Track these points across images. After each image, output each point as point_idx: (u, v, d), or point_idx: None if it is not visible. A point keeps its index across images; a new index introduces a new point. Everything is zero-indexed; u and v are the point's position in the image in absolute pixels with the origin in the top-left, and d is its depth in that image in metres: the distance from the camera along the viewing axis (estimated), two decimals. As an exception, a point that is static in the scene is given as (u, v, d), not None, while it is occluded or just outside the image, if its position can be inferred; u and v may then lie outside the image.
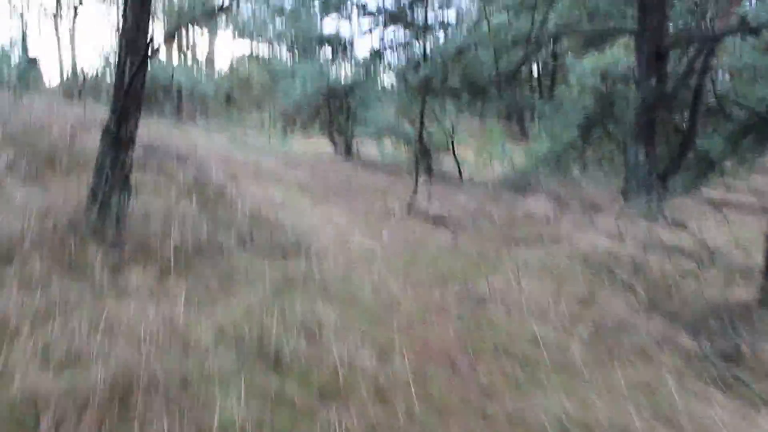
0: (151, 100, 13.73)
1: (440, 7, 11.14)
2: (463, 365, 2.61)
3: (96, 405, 1.77)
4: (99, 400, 1.78)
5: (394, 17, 10.84)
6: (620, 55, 10.28)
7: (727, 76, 9.73)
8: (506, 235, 5.88)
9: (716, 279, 4.15)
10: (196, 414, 1.81)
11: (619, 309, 3.50)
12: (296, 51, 12.27)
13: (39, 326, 2.09)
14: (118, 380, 1.85)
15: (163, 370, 1.93)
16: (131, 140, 3.42)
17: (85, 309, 2.27)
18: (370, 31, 11.04)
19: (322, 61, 12.31)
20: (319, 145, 14.33)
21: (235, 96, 17.79)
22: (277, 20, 12.52)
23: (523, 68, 11.15)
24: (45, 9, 13.25)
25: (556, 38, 10.49)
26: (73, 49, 15.55)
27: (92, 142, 4.15)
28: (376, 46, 11.44)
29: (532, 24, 8.67)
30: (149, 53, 3.48)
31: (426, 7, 10.31)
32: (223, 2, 4.21)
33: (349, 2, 11.22)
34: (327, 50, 12.19)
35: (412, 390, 2.25)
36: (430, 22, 10.82)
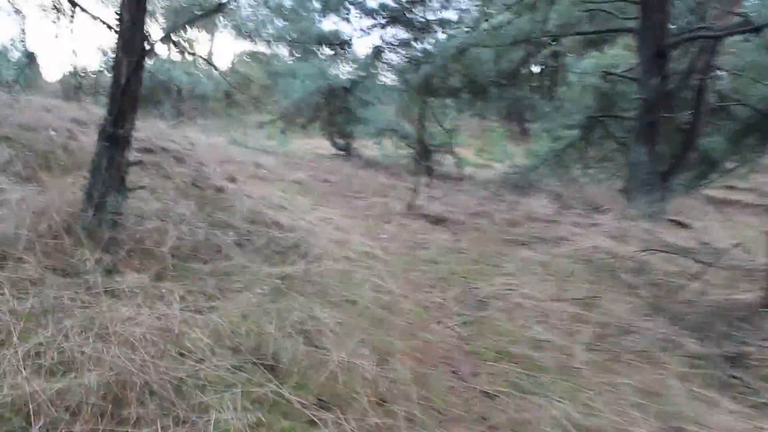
0: (150, 100, 13.72)
1: (441, 8, 11.09)
2: (465, 369, 2.56)
3: (88, 411, 1.72)
4: (91, 405, 1.73)
5: (394, 16, 10.79)
6: (621, 54, 10.24)
7: (729, 75, 9.66)
8: (507, 235, 5.84)
9: (720, 280, 4.11)
10: (191, 421, 1.77)
11: (622, 311, 3.47)
12: (296, 50, 12.21)
13: (31, 329, 2.04)
14: (112, 385, 1.81)
15: (157, 375, 1.88)
16: (127, 140, 3.37)
17: (78, 312, 2.22)
18: (370, 30, 10.99)
19: (322, 60, 12.25)
20: (319, 144, 14.30)
21: (234, 96, 17.76)
22: (277, 20, 12.46)
23: (524, 68, 11.09)
24: (44, 7, 13.18)
25: (557, 38, 10.41)
26: (73, 47, 15.48)
27: (90, 141, 4.12)
28: (376, 45, 11.38)
29: (533, 23, 8.63)
30: (145, 53, 3.43)
31: (426, 7, 10.26)
32: (221, 1, 4.16)
33: (348, 2, 11.16)
34: (327, 50, 12.13)
35: (413, 396, 2.21)
36: (430, 20, 10.77)
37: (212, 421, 1.76)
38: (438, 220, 6.43)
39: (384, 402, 2.14)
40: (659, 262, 4.55)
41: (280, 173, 7.66)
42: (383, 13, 10.88)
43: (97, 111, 5.52)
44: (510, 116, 19.27)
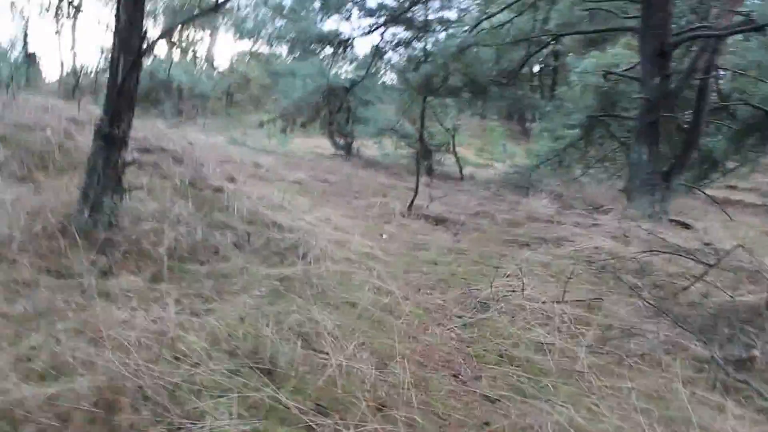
0: (150, 99, 13.69)
1: (441, 7, 11.05)
2: (466, 373, 2.52)
3: (80, 417, 1.68)
4: (83, 411, 1.69)
5: (394, 16, 10.74)
6: (622, 53, 10.20)
7: (731, 75, 9.63)
8: (508, 235, 5.80)
9: (723, 281, 4.06)
10: (185, 427, 1.72)
11: (625, 313, 3.42)
12: (296, 50, 12.17)
13: (23, 333, 2.00)
14: (104, 391, 1.76)
15: (151, 380, 1.84)
16: (124, 140, 3.33)
17: (72, 315, 2.18)
18: (371, 30, 10.93)
19: (322, 59, 12.22)
20: (319, 144, 14.25)
21: (234, 95, 17.74)
22: (277, 19, 12.41)
23: (524, 67, 11.04)
24: (46, 7, 13.17)
25: (557, 37, 10.37)
26: (73, 46, 15.50)
27: (87, 141, 4.07)
28: (377, 44, 11.32)
29: (533, 22, 8.59)
30: (143, 52, 3.39)
31: (426, 5, 10.22)
32: (218, 1, 4.11)
33: (348, 1, 11.11)
34: (327, 49, 12.08)
35: (413, 400, 2.16)
36: (430, 20, 10.72)
37: (207, 428, 1.72)
38: (438, 221, 6.39)
39: (383, 407, 2.10)
40: (661, 263, 4.50)
41: (280, 173, 7.61)
42: (383, 13, 10.83)
43: (96, 110, 5.48)
44: (510, 116, 19.27)
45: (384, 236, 5.27)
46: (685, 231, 6.44)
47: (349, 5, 10.87)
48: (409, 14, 10.60)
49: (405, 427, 1.98)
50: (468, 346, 2.85)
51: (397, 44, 11.23)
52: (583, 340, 2.95)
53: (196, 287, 2.78)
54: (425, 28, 10.50)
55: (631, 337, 3.04)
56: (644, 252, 4.61)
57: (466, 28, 10.40)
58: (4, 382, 1.71)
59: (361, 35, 11.07)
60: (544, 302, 3.44)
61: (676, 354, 2.89)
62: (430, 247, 5.04)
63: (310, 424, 1.86)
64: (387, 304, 3.21)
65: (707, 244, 5.47)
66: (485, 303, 3.47)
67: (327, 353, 2.33)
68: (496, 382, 2.48)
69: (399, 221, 6.09)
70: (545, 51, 12.94)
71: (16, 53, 11.06)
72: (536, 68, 20.21)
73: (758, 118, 8.37)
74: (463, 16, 11.34)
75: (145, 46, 3.39)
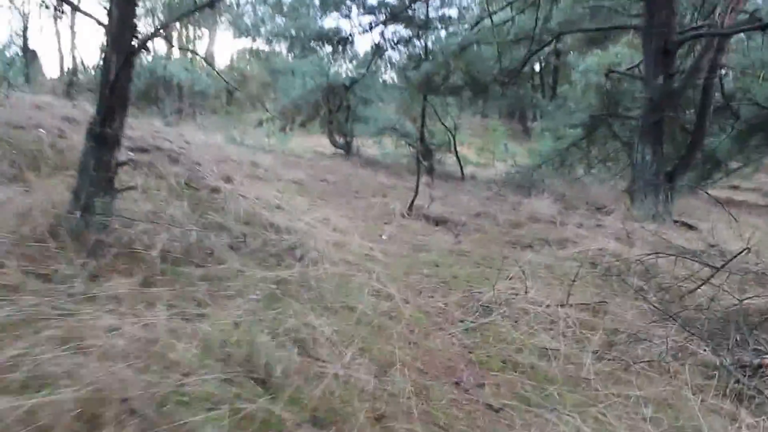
0: (147, 98, 13.59)
1: (442, 5, 10.95)
2: (469, 381, 2.43)
3: (62, 430, 1.59)
4: (66, 424, 1.60)
5: (395, 13, 10.65)
6: (624, 52, 10.11)
7: (735, 74, 9.54)
8: (510, 237, 5.71)
9: (730, 284, 3.97)
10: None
11: (631, 317, 3.33)
12: (296, 48, 12.08)
13: (5, 341, 1.91)
14: (88, 403, 1.67)
15: (138, 391, 1.75)
16: (117, 139, 3.24)
17: (58, 321, 2.08)
18: (371, 27, 10.84)
19: (321, 57, 12.13)
20: (319, 143, 14.16)
21: (233, 93, 17.65)
22: (277, 17, 12.32)
23: (526, 65, 10.94)
24: (41, 4, 13.06)
25: (559, 35, 10.27)
26: (72, 44, 15.43)
27: (80, 140, 3.97)
28: (377, 42, 11.24)
29: (536, 21, 8.50)
30: (135, 49, 3.30)
31: (427, 3, 10.13)
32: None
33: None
34: (327, 47, 11.99)
35: (414, 410, 2.07)
36: (431, 17, 10.63)
37: (197, 442, 1.63)
38: (439, 221, 6.30)
39: (383, 417, 2.01)
40: (667, 265, 4.41)
41: (278, 172, 7.51)
42: (384, 10, 10.74)
43: (90, 109, 5.38)
44: (512, 115, 19.18)
45: (384, 237, 5.18)
46: (689, 232, 6.35)
47: (349, 2, 10.79)
48: (409, 12, 10.50)
49: (405, 440, 1.90)
50: (470, 352, 2.76)
51: (398, 42, 11.15)
52: (588, 345, 2.87)
53: (189, 291, 2.69)
54: (426, 25, 10.41)
55: (638, 343, 2.95)
56: (649, 254, 4.52)
57: (467, 26, 10.31)
58: (-17, 394, 1.62)
59: (361, 33, 10.99)
60: (548, 306, 3.35)
61: (685, 360, 2.80)
62: (431, 248, 4.95)
63: (306, 437, 1.77)
64: (387, 308, 3.12)
65: (713, 246, 5.39)
66: (488, 306, 3.38)
67: (324, 361, 2.25)
68: (499, 390, 2.40)
69: (399, 222, 6.00)
70: (547, 49, 12.85)
71: (11, 50, 10.98)
72: (538, 67, 20.10)
73: (762, 118, 8.29)
74: (465, 14, 11.25)
75: (137, 43, 3.30)
